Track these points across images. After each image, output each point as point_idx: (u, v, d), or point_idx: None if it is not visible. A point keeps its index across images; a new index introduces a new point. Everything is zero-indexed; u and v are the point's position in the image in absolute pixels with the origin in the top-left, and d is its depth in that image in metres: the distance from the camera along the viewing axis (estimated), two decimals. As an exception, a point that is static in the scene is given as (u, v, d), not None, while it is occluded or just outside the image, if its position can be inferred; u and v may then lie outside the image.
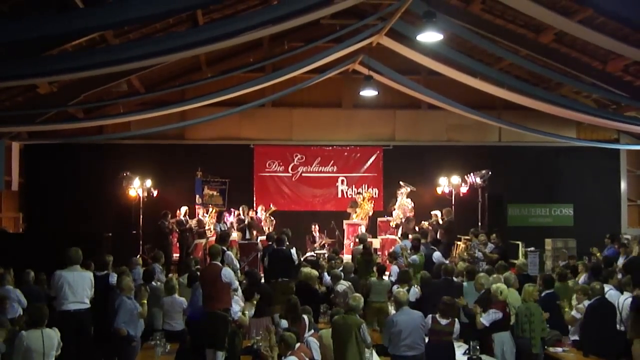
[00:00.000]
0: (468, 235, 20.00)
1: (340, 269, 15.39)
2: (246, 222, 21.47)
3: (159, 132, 22.01)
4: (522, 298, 11.44)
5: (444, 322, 10.19)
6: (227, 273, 10.96)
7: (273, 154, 25.42)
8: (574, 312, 11.83)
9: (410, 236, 18.25)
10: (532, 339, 10.74)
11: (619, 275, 14.24)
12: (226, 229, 21.03)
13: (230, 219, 22.42)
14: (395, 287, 13.69)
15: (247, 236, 21.00)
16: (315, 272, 14.40)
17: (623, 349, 11.55)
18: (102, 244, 18.33)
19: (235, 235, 21.08)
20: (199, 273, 12.70)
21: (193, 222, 21.58)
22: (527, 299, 11.21)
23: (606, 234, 19.51)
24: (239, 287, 12.37)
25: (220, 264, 11.18)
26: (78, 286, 10.96)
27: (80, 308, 10.93)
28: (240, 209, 22.00)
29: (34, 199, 23.52)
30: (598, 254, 18.67)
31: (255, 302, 12.06)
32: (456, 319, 10.43)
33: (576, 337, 11.72)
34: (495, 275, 12.89)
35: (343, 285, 13.90)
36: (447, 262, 15.76)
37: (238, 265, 15.42)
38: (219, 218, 22.43)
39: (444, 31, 14.82)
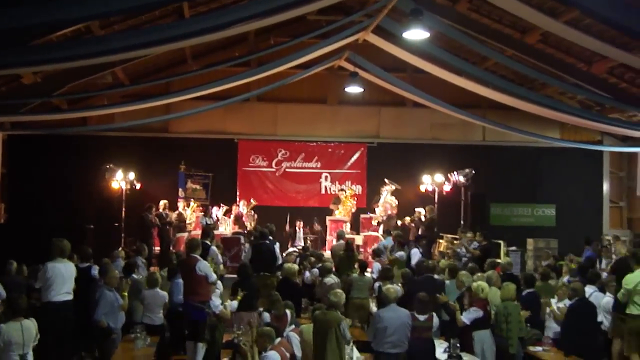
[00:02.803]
0: (450, 233, 20.07)
1: (319, 265, 15.43)
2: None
3: (142, 124, 21.96)
4: (501, 297, 11.45)
5: (422, 318, 10.20)
6: (202, 266, 10.86)
7: (257, 149, 25.41)
8: (548, 310, 11.95)
9: (392, 233, 18.30)
10: (509, 339, 10.73)
11: (604, 277, 14.31)
12: (212, 222, 21.02)
13: (218, 213, 22.37)
14: (376, 284, 13.72)
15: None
16: (295, 267, 14.42)
17: (603, 349, 11.64)
18: (85, 236, 18.29)
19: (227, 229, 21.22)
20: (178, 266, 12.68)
21: (173, 216, 21.50)
22: (506, 298, 11.22)
23: (588, 235, 19.66)
24: (218, 281, 12.33)
25: (197, 257, 11.08)
26: (67, 278, 10.92)
27: (68, 299, 10.89)
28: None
29: (17, 189, 23.42)
30: (572, 265, 18.59)
31: (239, 297, 11.99)
32: (434, 314, 10.45)
33: (552, 335, 11.79)
34: (479, 274, 12.92)
35: (332, 280, 13.88)
36: (432, 259, 15.86)
37: (221, 260, 15.42)
38: (206, 212, 22.39)
39: (430, 29, 14.86)
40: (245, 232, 20.13)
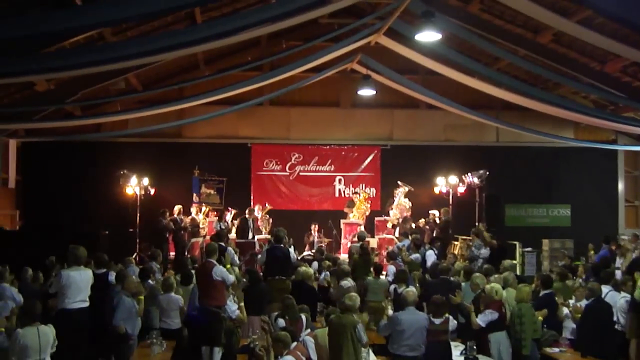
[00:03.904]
0: (466, 235, 19.99)
1: (333, 268, 15.48)
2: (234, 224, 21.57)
3: (156, 130, 22.02)
4: (516, 298, 11.40)
5: (437, 321, 10.17)
6: (218, 271, 10.95)
7: (270, 153, 25.40)
8: (567, 311, 11.91)
9: (410, 235, 18.26)
10: (522, 340, 10.68)
11: (619, 277, 14.24)
12: (226, 227, 21.02)
13: (228, 217, 22.42)
14: (392, 286, 13.69)
15: (250, 236, 20.98)
16: (310, 270, 14.43)
17: (620, 349, 11.58)
18: (99, 242, 18.31)
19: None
20: (194, 271, 12.72)
21: (187, 221, 21.52)
22: (520, 300, 11.18)
23: (603, 235, 19.59)
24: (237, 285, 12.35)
25: (214, 262, 11.15)
26: (83, 286, 10.95)
27: (83, 307, 10.92)
28: (247, 209, 22.05)
29: (31, 196, 23.48)
30: (592, 252, 18.82)
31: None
32: (450, 317, 10.42)
33: (569, 336, 11.75)
34: (495, 276, 12.89)
35: (348, 283, 13.86)
36: (445, 261, 15.82)
37: (238, 262, 15.48)
38: (220, 217, 22.39)
39: (442, 31, 14.85)
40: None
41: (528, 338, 10.70)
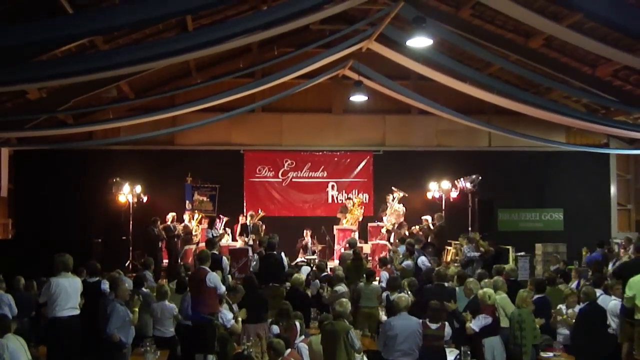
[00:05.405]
0: (457, 240, 19.99)
1: (324, 274, 15.49)
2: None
3: (148, 137, 22.01)
4: (516, 304, 11.39)
5: (434, 326, 10.16)
6: (211, 277, 10.94)
7: (263, 160, 25.37)
8: (560, 318, 11.89)
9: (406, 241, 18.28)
10: (523, 346, 10.67)
11: (609, 280, 14.25)
12: (217, 235, 21.00)
13: (219, 225, 22.39)
14: (385, 293, 13.67)
15: (250, 242, 20.99)
16: (302, 277, 14.40)
17: (614, 353, 11.57)
18: (92, 250, 18.27)
19: (229, 240, 21.22)
20: (187, 279, 12.70)
21: (180, 228, 21.47)
22: (520, 305, 11.17)
23: (596, 239, 19.62)
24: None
25: (207, 269, 11.14)
26: (73, 293, 10.91)
27: (74, 314, 10.88)
28: (249, 215, 22.10)
29: (24, 205, 23.43)
30: (586, 254, 18.87)
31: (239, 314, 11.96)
32: (446, 323, 10.41)
33: (562, 340, 11.74)
34: (486, 280, 12.88)
35: (342, 288, 13.86)
36: (439, 266, 15.79)
37: (229, 270, 15.44)
38: (211, 224, 22.37)
39: (433, 36, 14.87)
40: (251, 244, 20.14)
41: (529, 344, 10.69)
